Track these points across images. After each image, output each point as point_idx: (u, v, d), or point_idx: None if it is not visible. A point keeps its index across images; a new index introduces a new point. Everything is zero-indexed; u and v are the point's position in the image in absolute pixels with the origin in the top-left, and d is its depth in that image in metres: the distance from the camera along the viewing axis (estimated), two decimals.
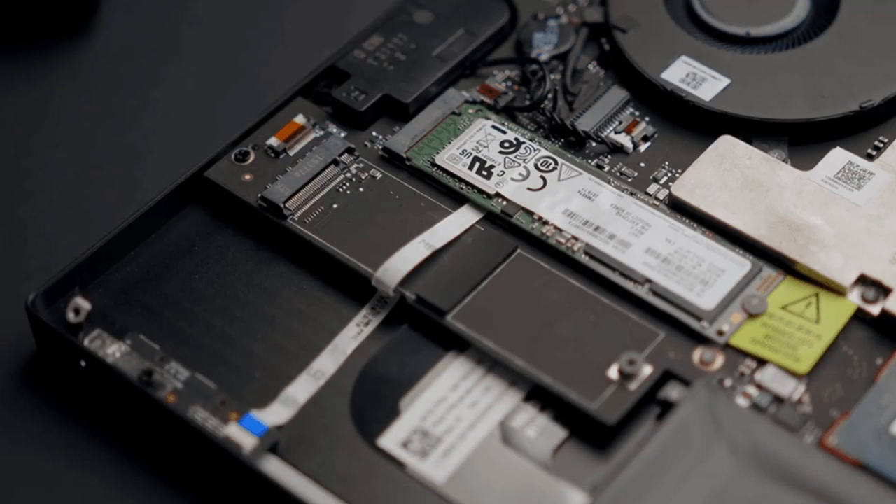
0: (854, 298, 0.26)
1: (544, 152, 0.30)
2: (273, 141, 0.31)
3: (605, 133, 0.31)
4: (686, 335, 0.26)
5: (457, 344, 0.26)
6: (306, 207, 0.29)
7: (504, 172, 0.29)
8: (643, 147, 0.31)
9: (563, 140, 0.31)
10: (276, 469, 0.23)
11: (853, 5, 0.32)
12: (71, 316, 0.26)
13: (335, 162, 0.30)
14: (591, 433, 0.24)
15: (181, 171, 0.30)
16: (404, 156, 0.30)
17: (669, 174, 0.30)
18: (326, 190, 0.30)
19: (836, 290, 0.26)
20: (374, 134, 0.31)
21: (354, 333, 0.27)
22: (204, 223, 0.30)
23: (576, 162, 0.30)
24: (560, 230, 0.28)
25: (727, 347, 0.25)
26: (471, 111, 0.31)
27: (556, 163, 0.29)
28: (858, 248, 0.26)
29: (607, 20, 0.33)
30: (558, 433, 0.24)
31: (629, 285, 0.27)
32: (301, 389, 0.25)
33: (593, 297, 0.27)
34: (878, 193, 0.28)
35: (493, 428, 0.24)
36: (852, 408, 0.23)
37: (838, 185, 0.28)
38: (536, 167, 0.29)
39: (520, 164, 0.29)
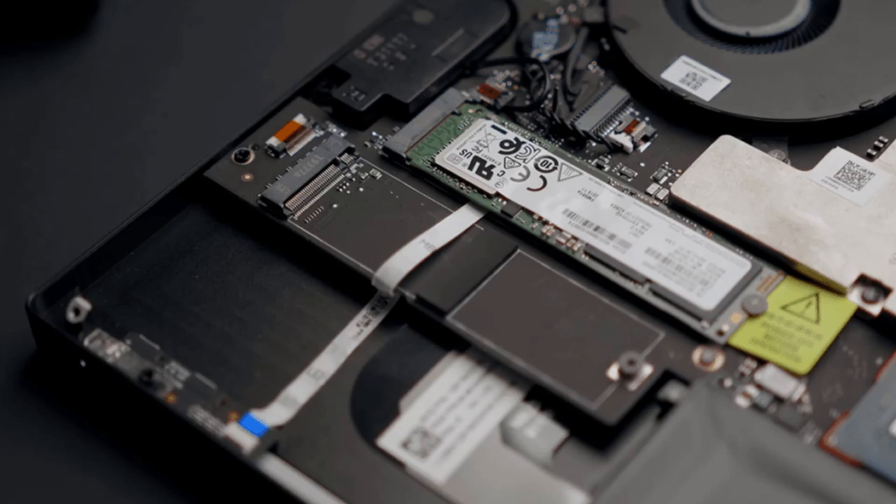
0: (854, 298, 0.26)
1: (544, 152, 0.30)
2: (273, 141, 0.31)
3: (605, 133, 0.31)
4: (686, 335, 0.26)
5: (457, 344, 0.26)
6: (306, 207, 0.29)
7: (504, 172, 0.29)
8: (643, 147, 0.31)
9: (563, 140, 0.31)
10: (276, 469, 0.23)
11: (853, 5, 0.32)
12: (71, 316, 0.26)
13: (335, 162, 0.30)
14: (591, 433, 0.24)
15: (181, 171, 0.30)
16: (404, 156, 0.30)
17: (669, 174, 0.30)
18: (326, 190, 0.30)
19: (836, 290, 0.26)
20: (374, 134, 0.31)
21: (354, 333, 0.27)
22: (204, 223, 0.30)
23: (576, 162, 0.30)
24: (560, 230, 0.28)
25: (727, 347, 0.25)
26: (471, 111, 0.31)
27: (556, 163, 0.29)
28: (858, 248, 0.26)
29: (607, 20, 0.33)
30: (558, 433, 0.24)
31: (629, 285, 0.27)
32: (301, 389, 0.25)
33: (593, 297, 0.27)
34: (878, 193, 0.28)
35: (493, 428, 0.24)
36: (852, 408, 0.23)
37: (838, 185, 0.28)
38: (536, 167, 0.29)
39: (520, 164, 0.29)
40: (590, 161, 0.30)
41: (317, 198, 0.30)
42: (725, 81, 0.31)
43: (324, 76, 0.33)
